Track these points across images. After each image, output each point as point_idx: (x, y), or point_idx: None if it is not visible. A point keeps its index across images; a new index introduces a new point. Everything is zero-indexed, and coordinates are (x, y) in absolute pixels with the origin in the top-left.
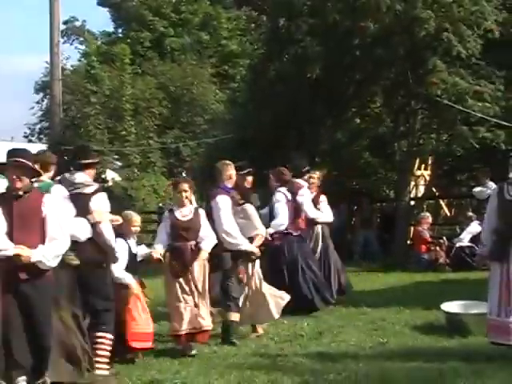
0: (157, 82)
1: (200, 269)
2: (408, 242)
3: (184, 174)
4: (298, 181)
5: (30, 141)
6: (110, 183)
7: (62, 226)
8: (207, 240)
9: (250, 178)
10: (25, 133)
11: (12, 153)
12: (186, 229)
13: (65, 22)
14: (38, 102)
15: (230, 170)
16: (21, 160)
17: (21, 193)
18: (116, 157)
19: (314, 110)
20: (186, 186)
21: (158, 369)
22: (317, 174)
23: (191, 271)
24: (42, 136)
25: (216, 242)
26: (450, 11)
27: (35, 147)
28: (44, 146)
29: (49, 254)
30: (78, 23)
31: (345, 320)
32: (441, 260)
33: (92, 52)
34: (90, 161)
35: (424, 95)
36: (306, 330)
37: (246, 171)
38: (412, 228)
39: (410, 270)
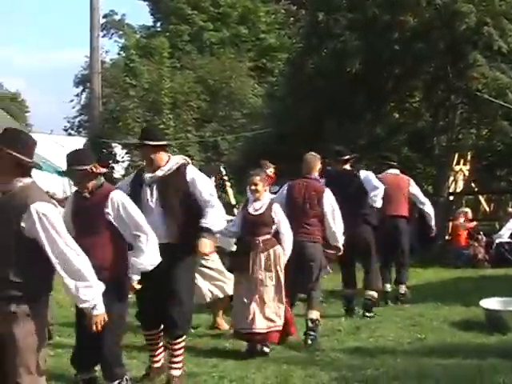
0: (195, 76)
1: (270, 264)
2: (446, 237)
3: (222, 168)
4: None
5: (70, 134)
6: None
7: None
8: (286, 239)
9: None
10: (64, 126)
11: (72, 157)
12: (256, 223)
13: (104, 16)
14: (77, 96)
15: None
16: (84, 168)
17: (87, 195)
18: None
19: (353, 105)
20: (257, 179)
21: (195, 362)
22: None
23: (257, 268)
24: (81, 129)
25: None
26: (491, 5)
27: (74, 140)
28: (83, 139)
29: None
30: (117, 17)
31: (382, 315)
32: (480, 256)
33: (131, 46)
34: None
35: (464, 90)
36: (344, 324)
37: (345, 157)
38: (450, 223)
39: (448, 266)
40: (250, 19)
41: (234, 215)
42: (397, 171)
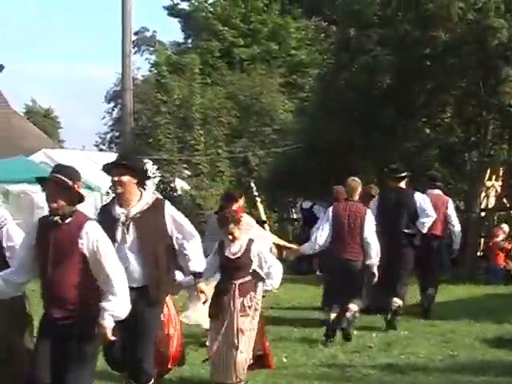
0: (226, 92)
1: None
2: (478, 253)
3: (253, 184)
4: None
5: (101, 149)
6: (179, 192)
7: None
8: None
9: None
10: (96, 141)
11: (58, 167)
12: (233, 267)
13: (136, 33)
14: (108, 112)
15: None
16: (58, 176)
17: (57, 218)
18: (185, 166)
19: (384, 120)
20: (231, 228)
21: None
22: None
23: (234, 314)
24: (112, 145)
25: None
26: None
27: (106, 156)
28: (115, 155)
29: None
30: (148, 34)
31: (414, 332)
32: (511, 272)
33: (162, 62)
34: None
35: (496, 105)
36: (375, 341)
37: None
38: (482, 239)
39: (479, 283)
40: (281, 35)
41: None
42: (439, 191)
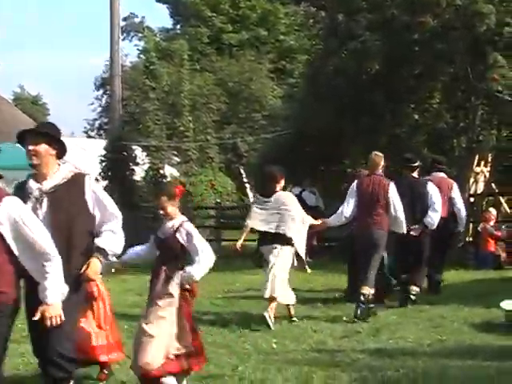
0: (215, 78)
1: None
2: (467, 238)
3: (242, 170)
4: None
5: (90, 136)
6: (169, 178)
7: None
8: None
9: None
10: (84, 128)
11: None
12: (162, 249)
13: (124, 19)
14: (97, 98)
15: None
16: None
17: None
18: (174, 152)
19: (373, 105)
20: (163, 201)
21: (215, 363)
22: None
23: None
24: (101, 131)
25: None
26: None
27: (94, 142)
28: (103, 142)
29: None
30: (136, 20)
31: (403, 317)
32: (501, 258)
33: (151, 48)
34: None
35: (484, 91)
36: (364, 326)
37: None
38: (471, 225)
39: (469, 268)
40: (270, 21)
41: None
42: (443, 175)
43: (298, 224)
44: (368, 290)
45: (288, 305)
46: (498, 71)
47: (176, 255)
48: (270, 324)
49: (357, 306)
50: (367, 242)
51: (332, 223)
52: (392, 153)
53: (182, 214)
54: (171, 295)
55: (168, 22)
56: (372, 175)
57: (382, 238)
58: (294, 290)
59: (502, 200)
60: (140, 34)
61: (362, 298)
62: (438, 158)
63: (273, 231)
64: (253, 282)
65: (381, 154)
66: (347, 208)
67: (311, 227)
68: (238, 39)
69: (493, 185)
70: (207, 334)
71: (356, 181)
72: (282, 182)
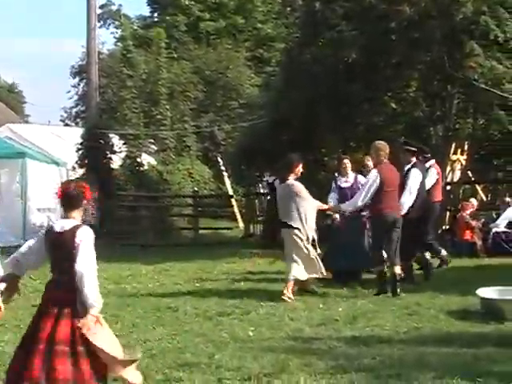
0: (192, 66)
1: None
2: (444, 227)
3: (219, 159)
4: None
5: (67, 124)
6: (146, 167)
7: None
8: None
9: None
10: (61, 116)
11: None
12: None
13: (101, 7)
14: (74, 86)
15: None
16: None
17: None
18: (151, 141)
19: (350, 94)
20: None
21: (192, 352)
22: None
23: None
24: (78, 120)
25: None
26: None
27: (71, 131)
28: (80, 130)
29: None
30: (114, 7)
31: (379, 305)
32: (477, 245)
33: (128, 36)
34: None
35: (461, 79)
36: (341, 314)
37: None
38: (448, 213)
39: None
40: (247, 9)
41: (231, 206)
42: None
43: (302, 213)
44: (399, 269)
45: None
46: (474, 60)
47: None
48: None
49: (394, 284)
50: (396, 226)
51: (345, 208)
52: (369, 141)
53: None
54: None
55: (145, 10)
56: (383, 163)
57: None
58: (272, 280)
59: (479, 188)
60: (117, 22)
61: (397, 277)
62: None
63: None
64: (230, 269)
65: (384, 143)
66: (365, 197)
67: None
68: (215, 27)
69: (469, 173)
70: (184, 323)
71: (375, 170)
72: (298, 171)
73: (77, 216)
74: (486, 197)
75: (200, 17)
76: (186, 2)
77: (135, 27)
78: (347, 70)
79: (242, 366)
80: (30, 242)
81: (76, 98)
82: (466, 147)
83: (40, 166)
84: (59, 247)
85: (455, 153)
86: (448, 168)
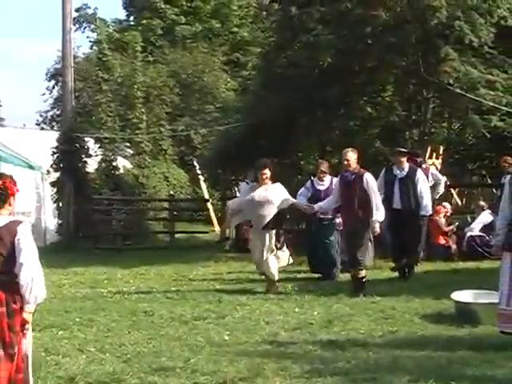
0: (168, 70)
1: None
2: None
3: (195, 163)
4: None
5: (42, 128)
6: (121, 171)
7: None
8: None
9: None
10: (37, 120)
11: None
12: None
13: (77, 10)
14: (49, 90)
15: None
16: None
17: None
18: (127, 144)
19: (326, 98)
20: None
21: (168, 356)
22: (325, 165)
23: None
24: (53, 123)
25: None
26: None
27: (47, 134)
28: (56, 134)
29: None
30: (89, 11)
31: (355, 309)
32: (451, 249)
33: (104, 39)
34: None
35: (436, 84)
36: (316, 318)
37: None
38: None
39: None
40: (223, 13)
41: (207, 210)
42: None
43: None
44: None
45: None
46: (449, 64)
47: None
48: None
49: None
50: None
51: (317, 209)
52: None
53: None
54: None
55: (121, 14)
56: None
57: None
58: (248, 281)
59: (454, 192)
60: (92, 26)
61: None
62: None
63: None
64: (206, 273)
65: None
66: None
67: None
68: (191, 31)
69: (444, 177)
70: (159, 327)
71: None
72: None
73: (5, 212)
74: (461, 201)
75: (176, 21)
76: (162, 6)
77: (111, 31)
78: (323, 73)
79: (217, 370)
80: None
81: (51, 101)
82: (441, 151)
83: (15, 170)
84: None
85: (430, 157)
86: None
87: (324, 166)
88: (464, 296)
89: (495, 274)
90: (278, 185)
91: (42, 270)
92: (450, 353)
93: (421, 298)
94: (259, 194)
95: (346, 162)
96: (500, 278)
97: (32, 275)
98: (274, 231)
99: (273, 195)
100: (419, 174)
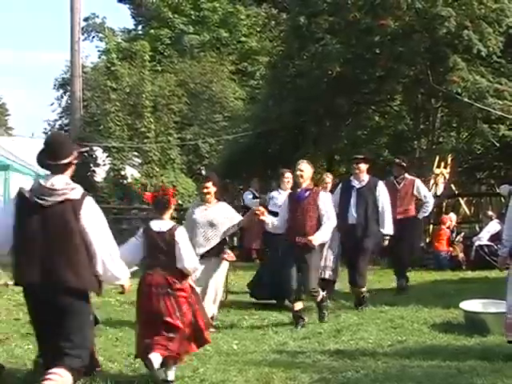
0: (176, 79)
1: None
2: (427, 240)
3: (203, 172)
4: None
5: None
6: (130, 179)
7: None
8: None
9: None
10: (44, 129)
11: None
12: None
13: (85, 19)
14: (57, 99)
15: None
16: None
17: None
18: (135, 153)
19: (334, 107)
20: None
21: (176, 365)
22: (330, 177)
23: None
24: (61, 133)
25: None
26: (471, 9)
27: None
28: None
29: None
30: (98, 20)
31: (363, 318)
32: (459, 258)
33: (112, 49)
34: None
35: (444, 93)
36: (325, 327)
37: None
38: (431, 226)
39: (428, 269)
40: (231, 23)
41: None
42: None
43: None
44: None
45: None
46: (457, 74)
47: None
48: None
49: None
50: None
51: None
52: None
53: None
54: None
55: (129, 23)
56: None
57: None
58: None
59: (462, 201)
60: (101, 35)
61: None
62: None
63: None
64: None
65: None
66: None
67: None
68: (199, 40)
69: (452, 186)
70: None
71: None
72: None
73: (167, 217)
74: (469, 210)
75: (184, 30)
76: (170, 15)
77: (119, 40)
78: (331, 83)
79: (226, 379)
80: (131, 241)
81: (59, 110)
82: (449, 161)
83: (23, 179)
84: (159, 244)
85: (438, 166)
86: (431, 181)
87: (286, 176)
88: (473, 305)
89: (504, 283)
90: (223, 204)
91: None
92: (459, 362)
93: (429, 307)
94: (200, 214)
95: (298, 178)
96: (507, 288)
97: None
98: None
99: (214, 216)
100: (381, 186)
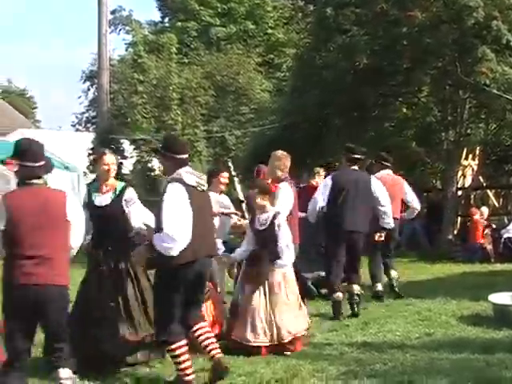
0: (203, 72)
1: None
2: (455, 232)
3: (230, 164)
4: None
5: (78, 130)
6: (157, 172)
7: None
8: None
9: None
10: (72, 122)
11: None
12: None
13: (112, 12)
14: (85, 92)
15: None
16: None
17: None
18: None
19: (361, 99)
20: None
21: (205, 357)
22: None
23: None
24: (88, 125)
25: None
26: None
27: (82, 136)
28: (91, 135)
29: None
30: (124, 13)
31: (391, 310)
32: (488, 251)
33: (139, 41)
34: None
35: (472, 85)
36: (352, 319)
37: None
38: (459, 218)
39: (457, 261)
40: (258, 14)
41: (242, 211)
42: (390, 171)
43: None
44: None
45: None
46: (486, 65)
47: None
48: None
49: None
50: None
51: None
52: (379, 147)
53: None
54: None
55: (156, 16)
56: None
57: None
58: None
59: (490, 193)
60: (128, 28)
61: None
62: (382, 154)
63: None
64: None
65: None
66: None
67: None
68: (225, 33)
69: (480, 178)
70: None
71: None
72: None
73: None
74: (498, 202)
75: (210, 22)
76: (197, 8)
77: (146, 33)
78: (358, 75)
79: (253, 371)
80: None
81: (86, 103)
82: (477, 152)
83: (52, 172)
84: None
85: (466, 158)
86: (459, 173)
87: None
88: (502, 298)
89: None
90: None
91: None
92: (487, 355)
93: (457, 299)
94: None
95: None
96: None
97: None
98: None
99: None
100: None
